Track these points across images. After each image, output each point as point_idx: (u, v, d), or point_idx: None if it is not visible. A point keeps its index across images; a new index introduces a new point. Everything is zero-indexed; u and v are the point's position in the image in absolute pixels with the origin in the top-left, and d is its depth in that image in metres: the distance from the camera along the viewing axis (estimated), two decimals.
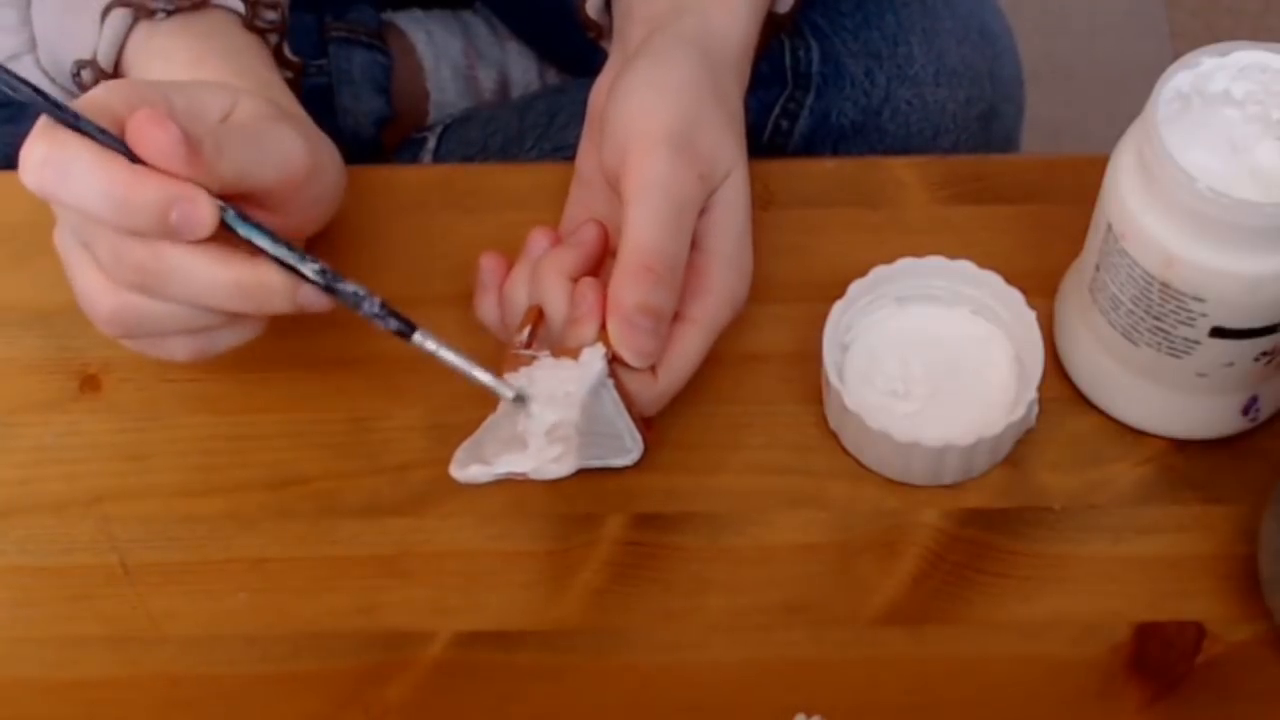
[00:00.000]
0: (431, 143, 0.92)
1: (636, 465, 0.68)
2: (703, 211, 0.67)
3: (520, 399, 0.65)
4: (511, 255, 0.70)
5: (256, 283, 0.62)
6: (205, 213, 0.60)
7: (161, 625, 0.67)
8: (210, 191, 0.60)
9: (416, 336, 0.64)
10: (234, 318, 0.64)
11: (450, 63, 0.93)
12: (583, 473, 0.68)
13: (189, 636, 0.67)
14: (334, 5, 0.91)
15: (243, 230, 0.61)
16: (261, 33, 0.73)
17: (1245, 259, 0.61)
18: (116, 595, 0.67)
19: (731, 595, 0.67)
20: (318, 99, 0.89)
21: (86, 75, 0.72)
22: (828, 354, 0.67)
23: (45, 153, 0.59)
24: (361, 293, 0.63)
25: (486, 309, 0.69)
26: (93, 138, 0.59)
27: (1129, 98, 0.69)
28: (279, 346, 0.72)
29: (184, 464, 0.70)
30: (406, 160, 0.92)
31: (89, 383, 0.72)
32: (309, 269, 0.62)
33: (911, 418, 0.68)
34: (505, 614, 0.67)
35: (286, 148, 0.64)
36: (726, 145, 0.68)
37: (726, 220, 0.68)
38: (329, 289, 0.63)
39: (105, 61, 0.71)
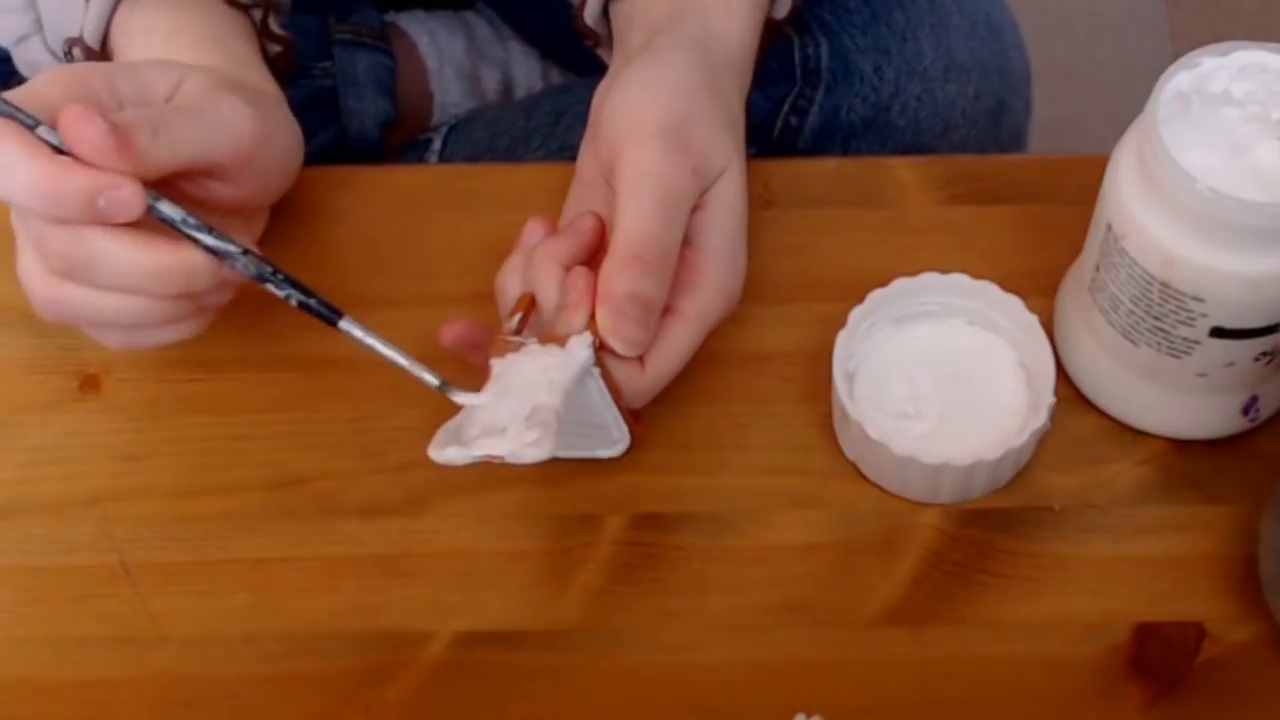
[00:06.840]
0: (437, 144, 0.92)
1: (637, 465, 0.68)
2: (697, 208, 0.67)
3: (444, 387, 0.64)
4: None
5: (179, 264, 0.62)
6: (131, 196, 0.60)
7: (161, 625, 0.67)
8: (148, 175, 0.61)
9: (342, 324, 0.64)
10: (169, 317, 0.65)
11: (453, 63, 0.93)
12: (583, 473, 0.68)
13: (189, 636, 0.67)
14: (338, 7, 0.91)
15: (166, 212, 0.62)
16: (244, 8, 0.73)
17: (1245, 259, 0.61)
18: (116, 595, 0.67)
19: (731, 595, 0.67)
20: (323, 101, 0.89)
21: (77, 53, 0.72)
22: (839, 385, 0.67)
23: None
24: (286, 284, 0.64)
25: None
26: (28, 128, 0.60)
27: (1129, 98, 0.69)
28: (279, 346, 0.72)
29: (183, 464, 0.70)
30: (412, 161, 0.92)
31: (89, 383, 0.72)
32: (237, 255, 0.63)
33: (928, 438, 0.67)
34: (505, 614, 0.67)
35: (231, 121, 0.64)
36: (722, 142, 0.68)
37: (721, 217, 0.68)
38: (259, 277, 0.63)
39: (92, 39, 0.71)
